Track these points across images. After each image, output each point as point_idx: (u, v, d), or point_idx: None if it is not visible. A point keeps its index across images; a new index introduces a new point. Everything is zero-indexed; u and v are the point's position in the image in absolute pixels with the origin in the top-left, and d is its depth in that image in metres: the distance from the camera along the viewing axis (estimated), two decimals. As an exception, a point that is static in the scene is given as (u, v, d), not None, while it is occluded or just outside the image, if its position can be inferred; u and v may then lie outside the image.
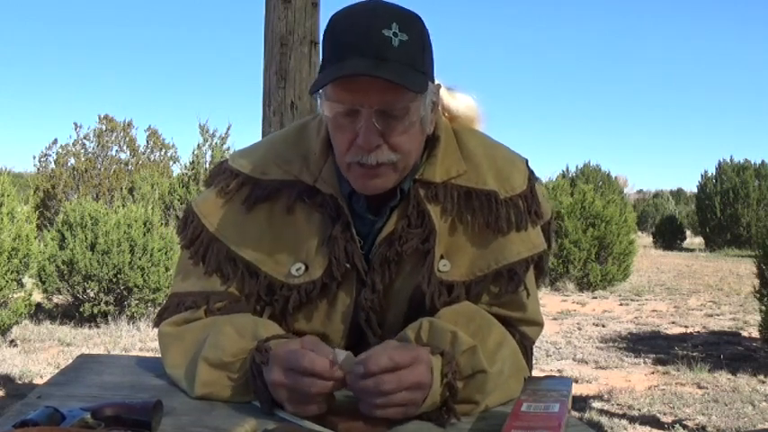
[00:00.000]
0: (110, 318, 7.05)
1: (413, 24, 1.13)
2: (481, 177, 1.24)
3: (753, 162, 19.64)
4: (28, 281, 6.89)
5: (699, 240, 20.89)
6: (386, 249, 1.21)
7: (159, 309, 1.30)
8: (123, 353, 5.75)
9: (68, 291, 7.19)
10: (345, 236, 1.20)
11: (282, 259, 1.23)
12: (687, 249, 19.73)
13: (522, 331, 1.27)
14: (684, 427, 4.30)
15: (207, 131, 11.65)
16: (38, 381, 4.93)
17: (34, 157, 13.87)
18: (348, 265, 1.21)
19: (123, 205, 7.83)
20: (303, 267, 1.22)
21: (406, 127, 1.13)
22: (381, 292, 1.23)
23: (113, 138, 13.91)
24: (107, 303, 7.06)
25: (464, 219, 1.23)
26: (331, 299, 1.24)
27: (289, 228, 1.24)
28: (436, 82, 1.21)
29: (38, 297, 7.20)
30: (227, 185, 1.27)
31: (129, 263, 7.01)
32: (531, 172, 1.30)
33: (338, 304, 1.24)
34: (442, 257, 1.21)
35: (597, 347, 6.61)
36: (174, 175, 13.01)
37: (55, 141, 13.81)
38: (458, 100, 1.33)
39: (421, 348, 1.06)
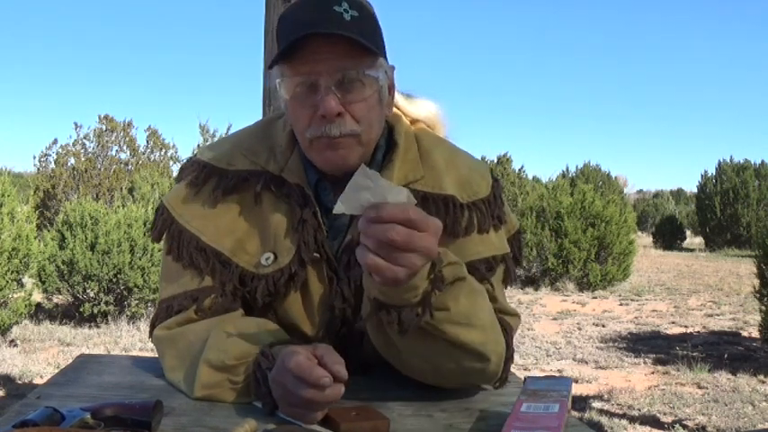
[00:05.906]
0: (110, 318, 7.05)
1: (363, 6, 1.15)
2: (438, 182, 1.23)
3: (753, 162, 19.69)
4: (28, 281, 6.90)
5: (699, 240, 20.90)
6: (348, 255, 1.20)
7: (151, 318, 1.29)
8: (123, 353, 5.75)
9: (68, 291, 7.19)
10: (313, 223, 1.20)
11: (252, 250, 1.23)
12: (687, 249, 19.74)
13: (499, 317, 1.22)
14: (684, 427, 4.30)
15: (207, 131, 11.68)
16: (38, 381, 4.93)
17: (34, 157, 13.89)
18: (317, 254, 1.20)
19: (123, 205, 7.84)
20: (272, 257, 1.21)
21: (365, 96, 1.14)
22: (353, 289, 1.20)
23: (113, 138, 13.92)
24: (107, 303, 7.06)
25: None
26: (304, 289, 1.23)
27: (257, 218, 1.23)
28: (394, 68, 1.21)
29: (38, 297, 7.20)
30: (196, 177, 1.27)
31: (130, 263, 7.01)
32: (495, 180, 1.30)
33: (312, 295, 1.23)
34: None
35: (597, 347, 6.61)
36: (174, 175, 13.01)
37: (55, 141, 13.83)
38: (417, 105, 1.34)
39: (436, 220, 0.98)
